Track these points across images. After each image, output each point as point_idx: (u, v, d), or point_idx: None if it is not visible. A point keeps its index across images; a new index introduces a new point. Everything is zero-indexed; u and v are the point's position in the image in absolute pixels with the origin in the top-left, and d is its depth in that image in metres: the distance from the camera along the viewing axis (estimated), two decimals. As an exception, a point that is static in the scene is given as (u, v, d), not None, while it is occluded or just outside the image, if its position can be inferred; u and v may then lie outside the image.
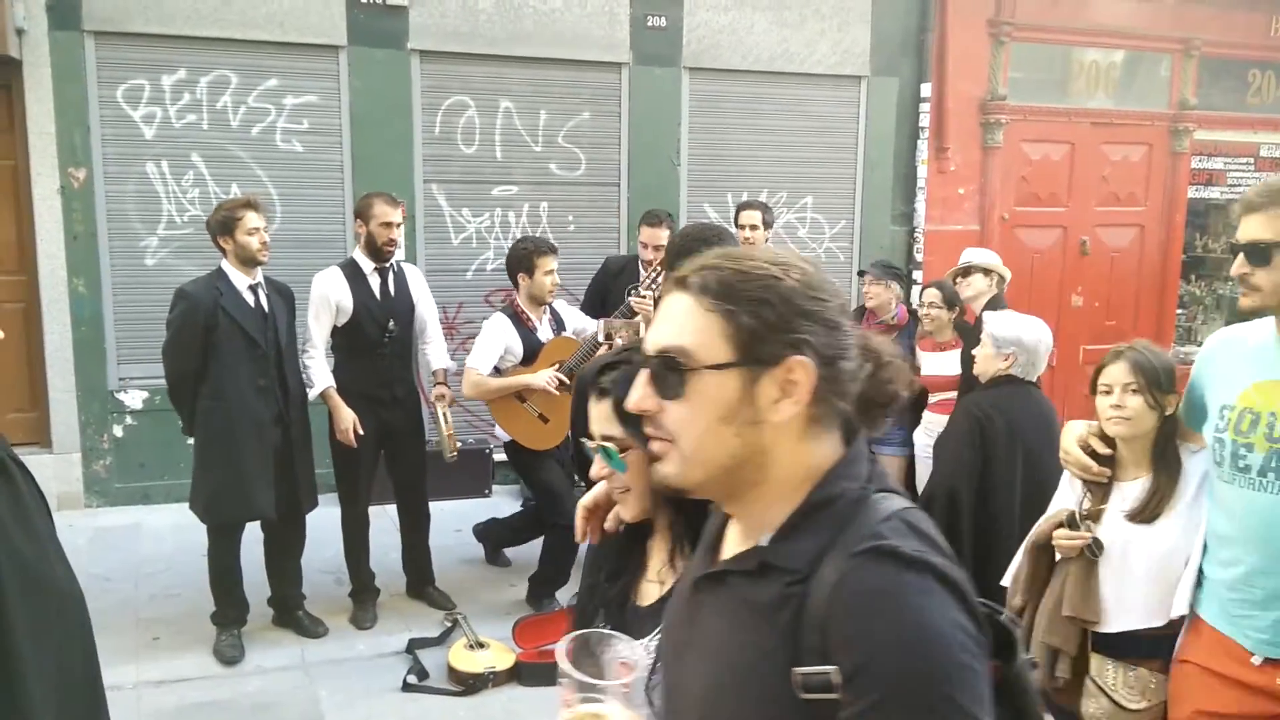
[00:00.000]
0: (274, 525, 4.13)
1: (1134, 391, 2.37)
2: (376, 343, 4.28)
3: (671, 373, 1.05)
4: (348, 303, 4.24)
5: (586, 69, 6.33)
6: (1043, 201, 7.51)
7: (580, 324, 4.69)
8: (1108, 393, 2.42)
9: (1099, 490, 2.47)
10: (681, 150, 6.58)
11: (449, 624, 4.30)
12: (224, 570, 4.08)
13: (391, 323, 4.31)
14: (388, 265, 4.35)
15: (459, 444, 4.54)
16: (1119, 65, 7.59)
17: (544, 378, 4.34)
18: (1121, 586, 2.40)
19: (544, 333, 4.51)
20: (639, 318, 4.26)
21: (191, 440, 4.09)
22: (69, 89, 5.41)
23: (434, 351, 4.56)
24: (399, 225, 4.36)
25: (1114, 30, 7.41)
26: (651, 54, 6.41)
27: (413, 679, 3.88)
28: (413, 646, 4.11)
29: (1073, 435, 2.55)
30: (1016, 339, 3.26)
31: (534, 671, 3.89)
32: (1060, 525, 2.48)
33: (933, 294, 4.78)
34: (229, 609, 4.11)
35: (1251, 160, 8.14)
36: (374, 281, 4.32)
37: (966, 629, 0.95)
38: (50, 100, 5.38)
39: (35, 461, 5.53)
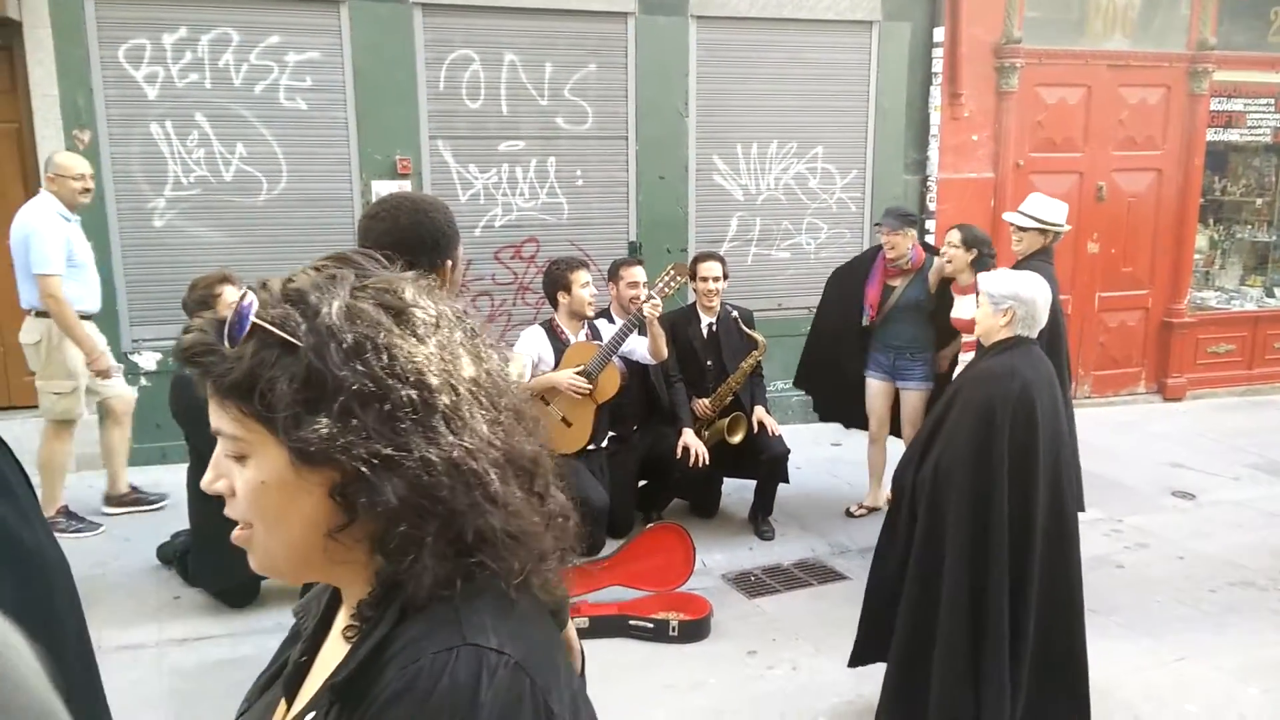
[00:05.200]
0: None
1: None
2: None
3: None
4: None
5: (591, 19, 6.22)
6: (1058, 147, 7.39)
7: (631, 345, 4.66)
8: None
9: None
10: (690, 101, 6.49)
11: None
12: None
13: None
14: None
15: None
16: (1136, 5, 7.41)
17: (563, 378, 4.45)
18: None
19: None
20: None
21: None
22: (70, 50, 5.36)
23: None
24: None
25: (1132, -32, 7.23)
26: (657, 2, 6.29)
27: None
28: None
29: None
30: (1013, 293, 3.13)
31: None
32: None
33: (953, 234, 4.84)
34: None
35: (1272, 101, 7.97)
36: None
37: None
38: (52, 62, 5.33)
39: (52, 425, 5.58)
